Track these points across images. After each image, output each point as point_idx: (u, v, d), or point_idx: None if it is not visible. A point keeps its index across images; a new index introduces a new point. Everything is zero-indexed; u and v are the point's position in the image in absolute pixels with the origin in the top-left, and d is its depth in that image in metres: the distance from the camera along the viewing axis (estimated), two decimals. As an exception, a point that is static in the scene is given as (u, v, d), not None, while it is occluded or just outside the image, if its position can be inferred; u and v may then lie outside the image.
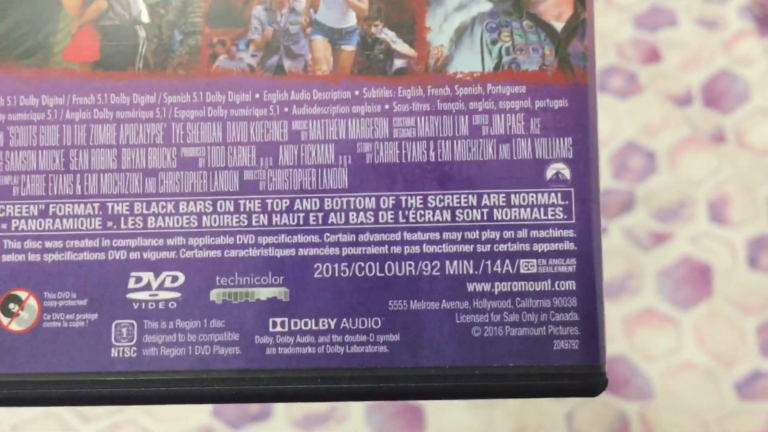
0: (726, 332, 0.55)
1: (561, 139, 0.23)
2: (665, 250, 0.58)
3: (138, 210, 0.23)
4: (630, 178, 0.61)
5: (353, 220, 0.23)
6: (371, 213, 0.23)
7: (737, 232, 0.58)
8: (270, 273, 0.23)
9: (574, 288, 0.23)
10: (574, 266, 0.23)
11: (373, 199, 0.23)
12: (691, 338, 0.55)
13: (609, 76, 0.67)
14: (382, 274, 0.23)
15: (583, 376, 0.22)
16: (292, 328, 0.23)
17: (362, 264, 0.23)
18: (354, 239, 0.23)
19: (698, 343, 0.54)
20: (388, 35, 0.24)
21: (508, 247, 0.23)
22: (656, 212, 0.60)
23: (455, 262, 0.23)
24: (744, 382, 0.53)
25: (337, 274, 0.23)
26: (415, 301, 0.23)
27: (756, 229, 0.58)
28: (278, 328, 0.23)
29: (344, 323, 0.23)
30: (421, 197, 0.23)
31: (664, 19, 0.70)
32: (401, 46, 0.24)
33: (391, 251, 0.23)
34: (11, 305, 0.23)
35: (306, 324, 0.23)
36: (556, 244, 0.23)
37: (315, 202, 0.23)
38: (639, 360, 0.54)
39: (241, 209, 0.23)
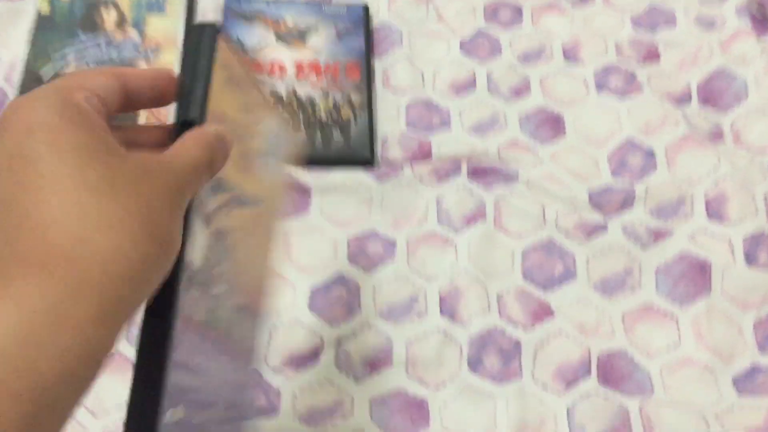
0: (724, 328, 0.55)
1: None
2: (664, 246, 0.59)
3: None
4: (629, 175, 0.62)
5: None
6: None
7: (735, 228, 0.59)
8: None
9: None
10: None
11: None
12: (690, 334, 0.55)
13: (608, 74, 0.67)
14: None
15: None
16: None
17: None
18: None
19: (697, 338, 0.55)
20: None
21: None
22: (655, 209, 0.60)
23: None
24: (742, 377, 0.54)
25: None
26: None
27: (754, 226, 0.59)
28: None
29: None
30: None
31: (662, 19, 0.70)
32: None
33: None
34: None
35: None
36: None
37: None
38: (639, 355, 0.55)
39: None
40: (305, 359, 0.53)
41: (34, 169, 0.22)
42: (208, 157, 0.26)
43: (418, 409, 0.52)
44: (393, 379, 0.53)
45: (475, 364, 0.54)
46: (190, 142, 0.26)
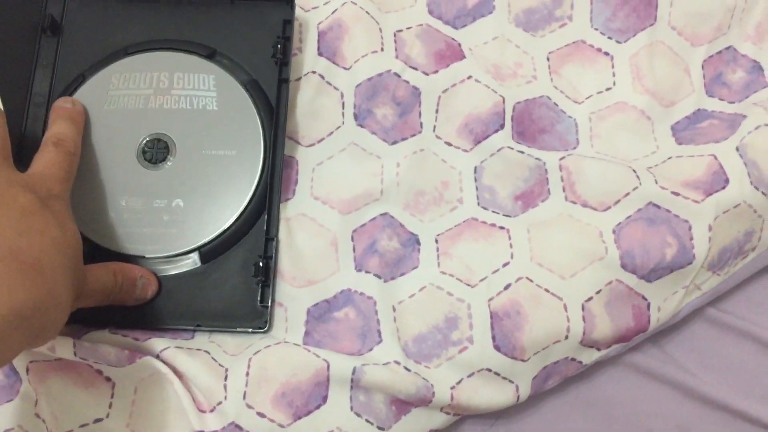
0: (668, 67, 0.45)
1: None
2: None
3: None
4: None
5: None
6: None
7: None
8: None
9: None
10: None
11: None
12: (627, 74, 0.45)
13: None
14: None
15: None
16: None
17: None
18: None
19: (635, 79, 0.45)
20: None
21: None
22: None
23: None
24: (684, 124, 0.45)
25: None
26: None
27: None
28: None
29: None
30: None
31: None
32: None
33: None
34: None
35: None
36: None
37: None
38: (564, 102, 0.45)
39: None
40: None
41: None
42: None
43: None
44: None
45: (362, 116, 0.44)
46: None
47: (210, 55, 0.43)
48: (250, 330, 0.39)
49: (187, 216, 0.40)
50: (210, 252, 0.40)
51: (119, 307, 0.38)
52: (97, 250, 0.39)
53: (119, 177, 0.41)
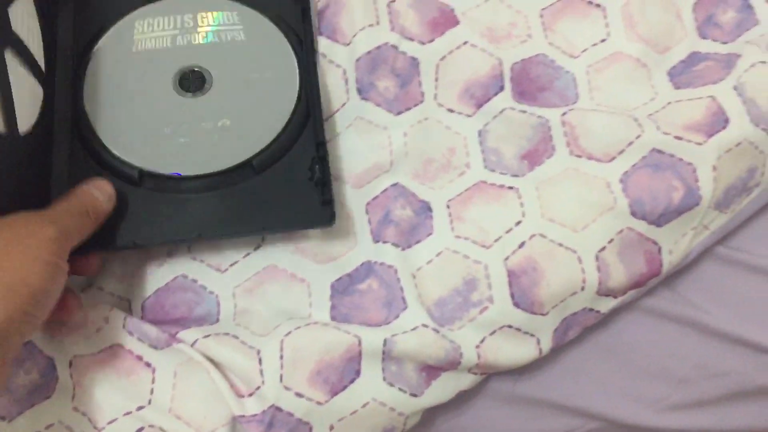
0: (660, 13, 0.46)
1: None
2: None
3: None
4: None
5: None
6: None
7: None
8: None
9: None
10: None
11: None
12: (620, 24, 0.46)
13: None
14: None
15: None
16: None
17: None
18: None
19: (628, 28, 0.45)
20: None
21: None
22: None
23: None
24: (680, 68, 0.45)
25: None
26: None
27: None
28: None
29: None
30: None
31: None
32: None
33: None
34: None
35: None
36: None
37: None
38: (561, 58, 0.45)
39: None
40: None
41: None
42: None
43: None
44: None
45: (365, 90, 0.44)
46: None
47: None
48: (318, 227, 0.41)
49: (235, 132, 0.41)
50: (263, 162, 0.41)
51: (179, 219, 0.40)
52: (150, 176, 0.40)
53: (160, 108, 0.42)
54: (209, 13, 0.44)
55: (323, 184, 0.40)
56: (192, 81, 0.42)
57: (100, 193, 0.38)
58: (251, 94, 0.42)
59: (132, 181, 0.40)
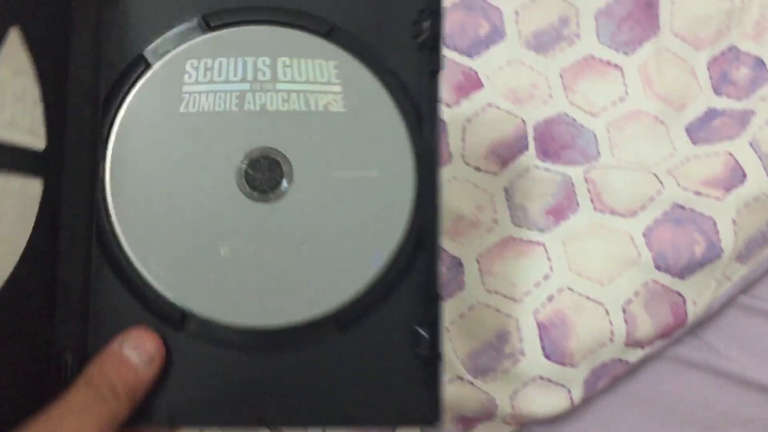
0: (675, 71, 0.48)
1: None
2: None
3: None
4: None
5: None
6: None
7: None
8: None
9: None
10: None
11: None
12: (638, 83, 0.48)
13: None
14: None
15: None
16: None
17: None
18: None
19: (645, 87, 0.48)
20: None
21: None
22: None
23: None
24: (697, 124, 0.47)
25: None
26: None
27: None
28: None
29: None
30: None
31: None
32: None
33: None
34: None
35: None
36: None
37: None
38: (581, 116, 0.47)
39: None
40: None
41: None
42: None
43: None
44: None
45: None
46: None
47: (328, 32, 0.30)
48: (417, 425, 0.29)
49: (315, 267, 0.29)
50: (351, 316, 0.29)
51: (232, 389, 0.28)
52: (191, 320, 0.28)
53: (214, 215, 0.28)
54: (294, 61, 0.29)
55: (428, 364, 0.28)
56: (265, 175, 0.29)
57: (136, 354, 0.26)
58: (345, 204, 0.29)
59: (172, 322, 0.28)
